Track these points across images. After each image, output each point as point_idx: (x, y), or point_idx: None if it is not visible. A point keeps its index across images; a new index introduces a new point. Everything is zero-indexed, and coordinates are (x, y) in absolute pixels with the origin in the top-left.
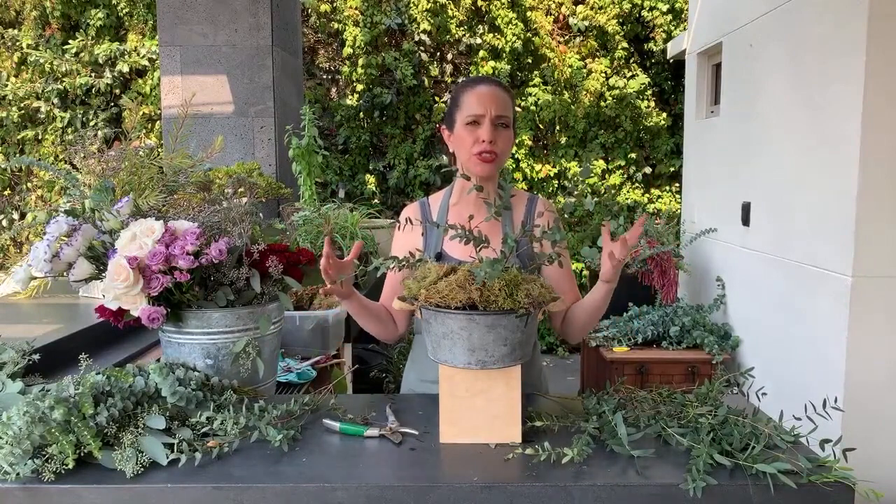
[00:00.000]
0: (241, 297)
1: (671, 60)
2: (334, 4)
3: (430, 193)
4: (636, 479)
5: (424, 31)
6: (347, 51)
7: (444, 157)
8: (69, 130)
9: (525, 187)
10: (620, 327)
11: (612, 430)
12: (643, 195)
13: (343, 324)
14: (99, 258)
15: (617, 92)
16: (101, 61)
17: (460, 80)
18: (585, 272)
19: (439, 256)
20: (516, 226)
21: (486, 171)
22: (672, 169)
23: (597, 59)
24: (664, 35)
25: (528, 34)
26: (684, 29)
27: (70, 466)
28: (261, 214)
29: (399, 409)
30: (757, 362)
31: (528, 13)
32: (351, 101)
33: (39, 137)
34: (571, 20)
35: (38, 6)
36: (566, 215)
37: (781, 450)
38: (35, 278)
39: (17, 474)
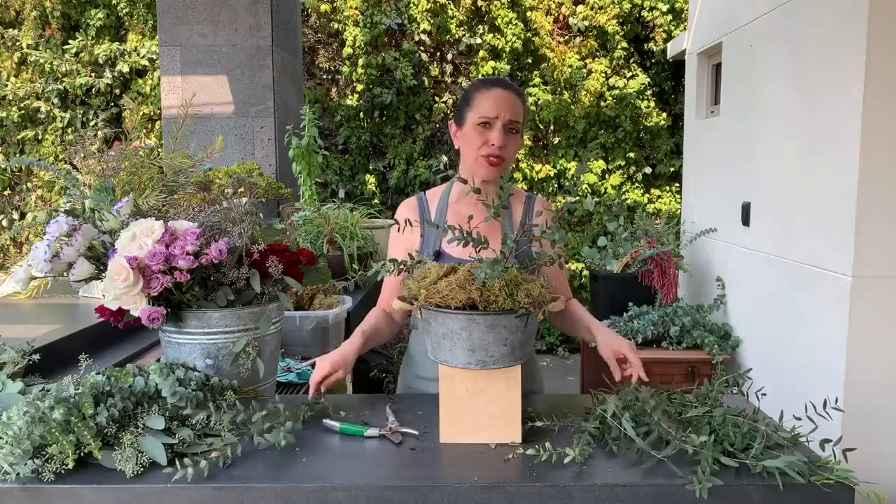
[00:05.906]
0: (241, 297)
1: (671, 60)
2: (334, 4)
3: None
4: (636, 479)
5: (424, 31)
6: (347, 51)
7: (444, 157)
8: (69, 130)
9: (525, 187)
10: (620, 327)
11: (612, 429)
12: (643, 195)
13: (343, 324)
14: (99, 258)
15: (617, 92)
16: (101, 61)
17: (478, 77)
18: (585, 272)
19: (438, 255)
20: (515, 225)
21: (491, 175)
22: (672, 169)
23: (597, 59)
24: (664, 35)
25: (528, 34)
26: (684, 29)
27: (70, 466)
28: (261, 214)
29: (399, 409)
30: (757, 362)
31: (528, 13)
32: (351, 101)
33: (39, 137)
34: (571, 20)
35: (38, 6)
36: (566, 214)
37: (782, 449)
38: (35, 278)
39: (17, 474)
